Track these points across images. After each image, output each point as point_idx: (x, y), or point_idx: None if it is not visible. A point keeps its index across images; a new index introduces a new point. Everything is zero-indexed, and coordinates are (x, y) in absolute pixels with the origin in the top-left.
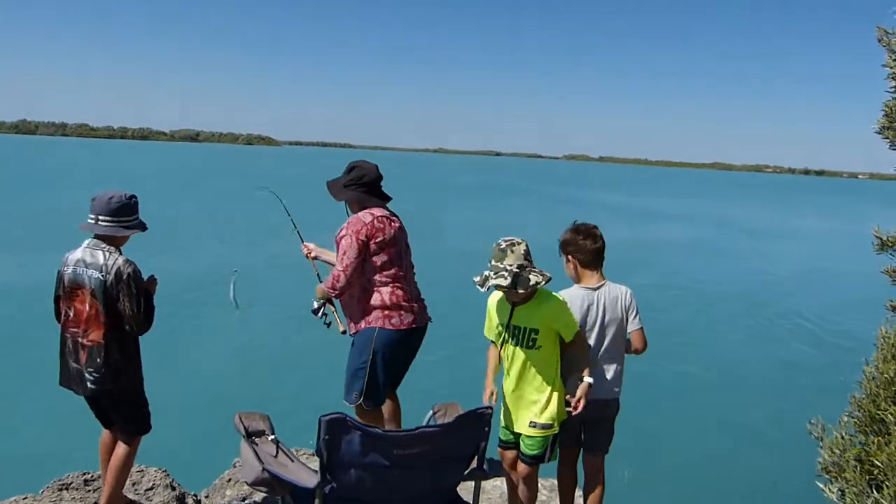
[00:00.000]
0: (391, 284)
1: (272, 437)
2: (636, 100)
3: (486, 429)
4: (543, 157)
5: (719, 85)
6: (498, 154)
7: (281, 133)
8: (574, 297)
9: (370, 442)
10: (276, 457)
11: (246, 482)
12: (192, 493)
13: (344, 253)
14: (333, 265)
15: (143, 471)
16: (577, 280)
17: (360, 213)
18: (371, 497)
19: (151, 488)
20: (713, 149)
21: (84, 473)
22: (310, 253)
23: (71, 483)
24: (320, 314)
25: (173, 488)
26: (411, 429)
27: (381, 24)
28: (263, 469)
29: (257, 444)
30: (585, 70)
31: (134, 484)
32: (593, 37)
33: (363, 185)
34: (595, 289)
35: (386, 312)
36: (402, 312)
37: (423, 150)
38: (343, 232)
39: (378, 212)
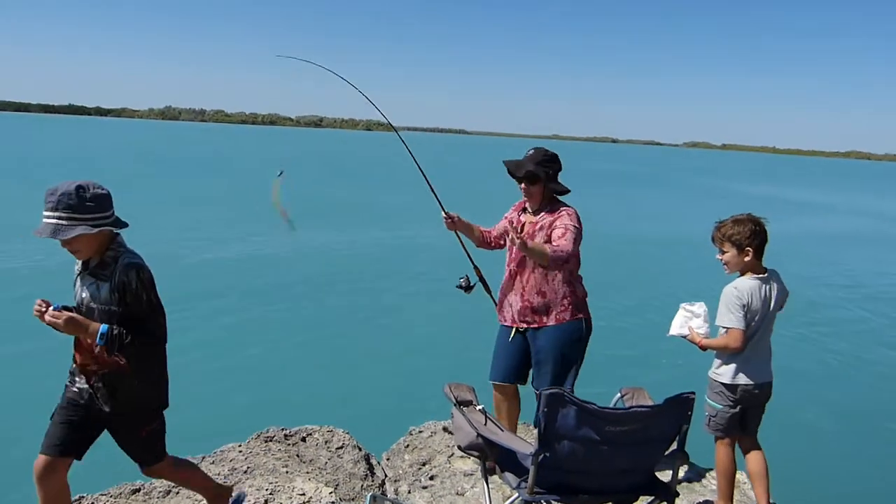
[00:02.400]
0: (581, 282)
1: (480, 406)
2: (760, 84)
3: (689, 412)
4: (662, 143)
5: (856, 68)
6: (614, 140)
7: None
8: (753, 287)
9: (585, 416)
10: (485, 425)
11: (459, 446)
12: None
13: (574, 235)
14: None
15: (332, 431)
16: (746, 270)
17: (569, 206)
18: (579, 468)
19: (341, 447)
20: (849, 137)
21: (283, 429)
22: (454, 223)
23: (273, 436)
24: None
25: (359, 449)
26: (625, 407)
27: (494, 10)
28: (478, 435)
29: (466, 413)
30: (704, 54)
31: (326, 442)
32: (713, 18)
33: (558, 173)
34: (765, 278)
35: (586, 307)
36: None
37: (537, 136)
38: (566, 219)
39: None
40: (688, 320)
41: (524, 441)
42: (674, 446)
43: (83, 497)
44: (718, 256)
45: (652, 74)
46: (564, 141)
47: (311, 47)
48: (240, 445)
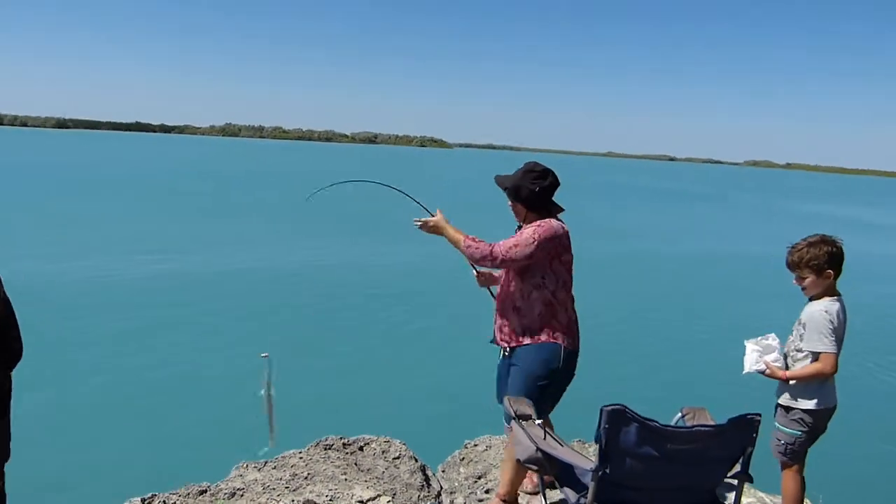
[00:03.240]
0: (570, 304)
1: (539, 421)
2: (827, 102)
3: (754, 435)
4: (722, 162)
5: None
6: (672, 159)
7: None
8: (836, 309)
9: (646, 433)
10: (544, 439)
11: (518, 459)
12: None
13: (518, 243)
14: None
15: (389, 441)
16: (824, 292)
17: (551, 220)
18: (639, 485)
19: (398, 457)
20: None
21: (341, 437)
22: (485, 279)
23: (332, 444)
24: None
25: (416, 460)
26: (687, 426)
27: (552, 26)
28: (537, 449)
29: (525, 427)
30: (766, 70)
31: (383, 452)
32: (773, 33)
33: (548, 191)
34: (840, 299)
35: (567, 331)
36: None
37: (592, 153)
38: (526, 230)
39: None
40: (760, 354)
41: (584, 456)
42: (737, 468)
43: (156, 495)
44: (795, 282)
45: (710, 91)
46: (620, 158)
47: (366, 64)
48: (300, 452)
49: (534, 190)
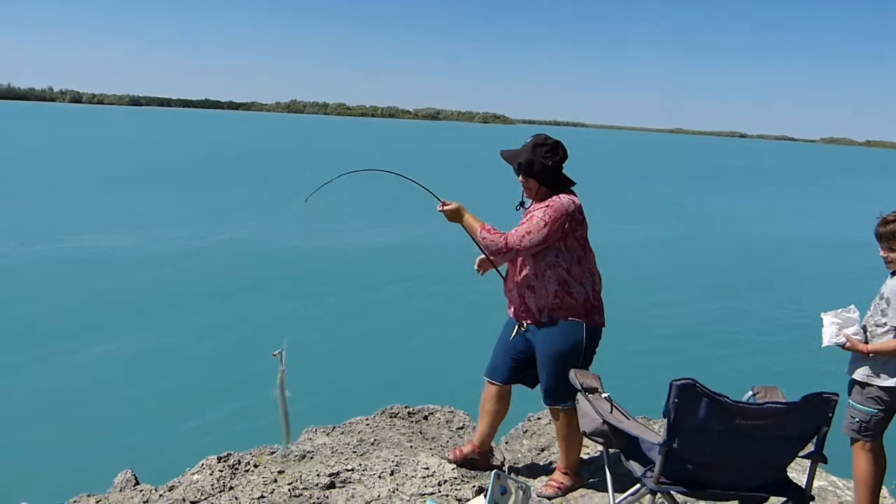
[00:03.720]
0: (587, 279)
1: (605, 394)
2: None
3: (830, 414)
4: (796, 139)
5: None
6: (743, 136)
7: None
8: None
9: (716, 409)
10: (611, 412)
11: (584, 432)
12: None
13: (532, 229)
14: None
15: (453, 411)
16: None
17: (560, 197)
18: (707, 461)
19: (462, 427)
20: None
21: (406, 407)
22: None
23: (398, 413)
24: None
25: None
26: (759, 402)
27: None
28: (604, 422)
29: (592, 400)
30: (845, 40)
31: (447, 422)
32: (847, 6)
33: (560, 164)
34: None
35: (585, 307)
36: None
37: (659, 129)
38: (538, 211)
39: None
40: (839, 327)
41: (651, 430)
42: (810, 448)
43: (231, 454)
44: (883, 253)
45: (782, 66)
46: (689, 135)
47: (429, 41)
48: (367, 419)
49: (547, 164)
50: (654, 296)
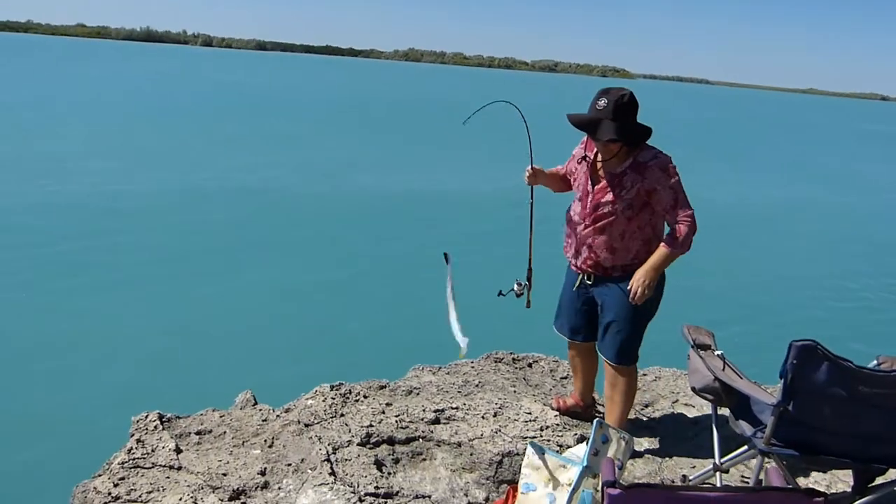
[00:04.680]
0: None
1: (718, 352)
2: None
3: None
4: None
5: None
6: (884, 98)
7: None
8: None
9: (838, 373)
10: (723, 370)
11: (694, 388)
12: None
13: (684, 193)
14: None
15: (557, 361)
16: None
17: (663, 153)
18: (823, 426)
19: (566, 377)
20: None
21: (511, 353)
22: (535, 177)
23: (502, 358)
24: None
25: None
26: (884, 367)
27: None
28: (715, 379)
29: (703, 356)
30: None
31: (552, 371)
32: None
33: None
34: None
35: None
36: None
37: (789, 89)
38: (664, 177)
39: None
40: None
41: (765, 391)
42: None
43: (342, 384)
44: None
45: None
46: (822, 96)
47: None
48: (472, 362)
49: (642, 126)
50: (815, 266)
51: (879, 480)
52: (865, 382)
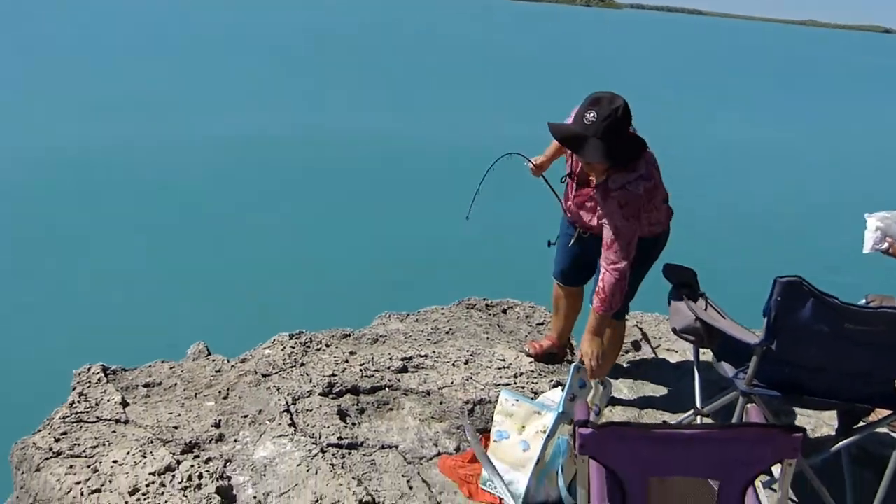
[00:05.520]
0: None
1: (700, 291)
2: None
3: None
4: None
5: None
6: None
7: None
8: None
9: (823, 310)
10: (705, 310)
11: (674, 328)
12: None
13: (627, 240)
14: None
15: (533, 307)
16: None
17: (635, 186)
18: (807, 364)
19: (542, 324)
20: None
21: (485, 299)
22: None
23: (475, 304)
24: None
25: None
26: (872, 306)
27: None
28: (696, 319)
29: (685, 297)
30: None
31: (527, 317)
32: None
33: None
34: None
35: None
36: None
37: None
38: (616, 211)
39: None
40: (884, 233)
41: (747, 330)
42: None
43: (302, 332)
44: None
45: None
46: (822, 28)
47: None
48: (442, 308)
49: (630, 145)
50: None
51: (864, 422)
52: (851, 319)
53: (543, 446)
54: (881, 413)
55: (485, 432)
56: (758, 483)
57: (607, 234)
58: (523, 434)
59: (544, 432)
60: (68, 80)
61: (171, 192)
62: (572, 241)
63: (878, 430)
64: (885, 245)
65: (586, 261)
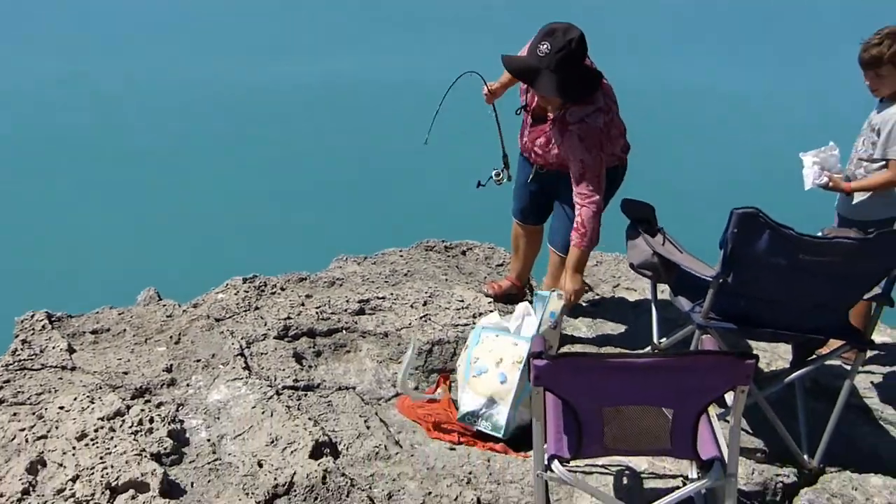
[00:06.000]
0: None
1: (658, 226)
2: None
3: None
4: None
5: None
6: None
7: None
8: None
9: (779, 241)
10: (663, 245)
11: (632, 264)
12: None
13: (595, 175)
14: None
15: (493, 248)
16: None
17: (594, 115)
18: (763, 296)
19: (501, 265)
20: None
21: (444, 241)
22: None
23: (434, 246)
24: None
25: None
26: (828, 237)
27: None
28: (654, 253)
29: (642, 232)
30: None
31: (486, 258)
32: None
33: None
34: None
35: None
36: None
37: None
38: (578, 146)
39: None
40: (820, 167)
41: (704, 264)
42: (876, 290)
43: (256, 276)
44: (868, 81)
45: None
46: None
47: None
48: (400, 251)
49: (587, 76)
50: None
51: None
52: (807, 251)
53: (520, 376)
54: (834, 345)
55: (443, 372)
56: (711, 412)
57: (574, 169)
58: (500, 367)
59: (520, 363)
60: None
61: (120, 134)
62: (530, 177)
63: (830, 361)
64: (825, 179)
65: (545, 198)
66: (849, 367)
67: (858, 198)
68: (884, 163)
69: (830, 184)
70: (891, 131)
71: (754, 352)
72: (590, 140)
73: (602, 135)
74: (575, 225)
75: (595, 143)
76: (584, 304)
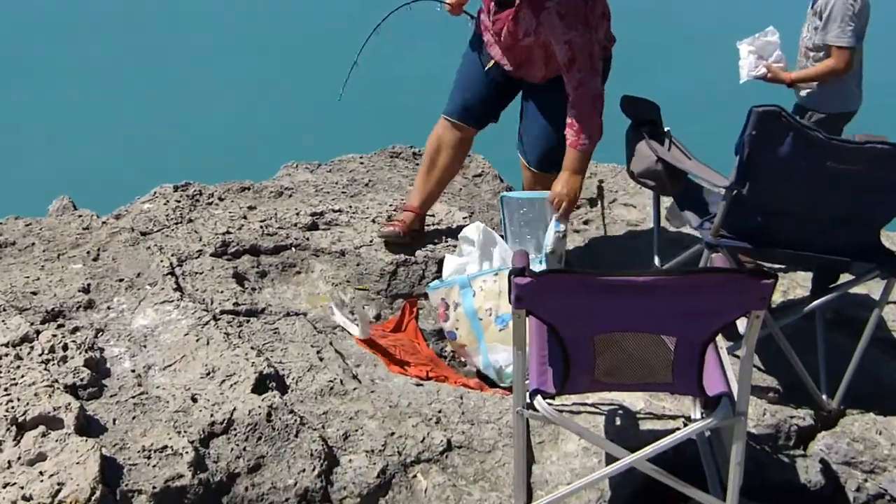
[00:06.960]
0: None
1: (664, 128)
2: None
3: None
4: None
5: None
6: None
7: None
8: None
9: (804, 145)
10: (668, 150)
11: (632, 172)
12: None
13: (586, 57)
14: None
15: (470, 156)
16: None
17: None
18: (782, 209)
19: (479, 175)
20: None
21: (412, 147)
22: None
23: (400, 153)
24: None
25: (501, 180)
26: (861, 141)
27: None
28: (658, 160)
29: (645, 134)
30: None
31: (463, 168)
32: None
33: None
34: None
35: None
36: None
37: None
38: (562, 22)
39: None
40: (757, 56)
41: (716, 172)
42: None
43: (190, 184)
44: None
45: None
46: None
47: None
48: (361, 157)
49: None
50: None
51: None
52: (836, 157)
53: None
54: (860, 270)
55: (409, 298)
56: (720, 342)
57: (561, 55)
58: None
59: None
60: None
61: (37, 23)
62: (488, 66)
63: (855, 289)
64: (762, 70)
65: (503, 99)
66: (876, 297)
67: (806, 89)
68: (826, 51)
69: (769, 75)
70: (830, 14)
71: None
72: (572, 16)
73: (587, 8)
74: (569, 121)
75: (580, 19)
76: (573, 222)
